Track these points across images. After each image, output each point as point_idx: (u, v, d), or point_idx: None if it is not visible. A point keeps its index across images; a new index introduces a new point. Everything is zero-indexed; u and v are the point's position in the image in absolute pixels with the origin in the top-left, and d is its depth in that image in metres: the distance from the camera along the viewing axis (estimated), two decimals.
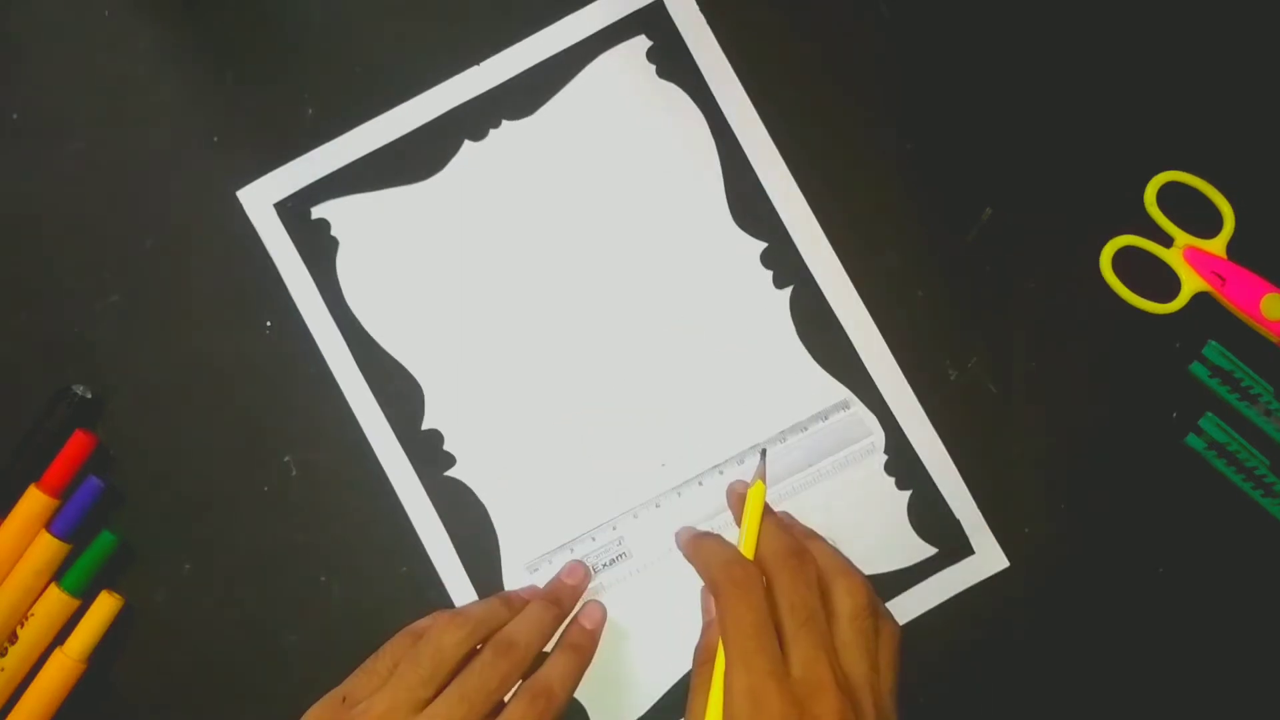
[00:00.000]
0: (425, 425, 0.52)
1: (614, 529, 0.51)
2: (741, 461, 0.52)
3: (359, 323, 0.53)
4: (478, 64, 0.54)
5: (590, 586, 0.51)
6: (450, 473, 0.52)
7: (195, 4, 0.55)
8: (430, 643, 0.46)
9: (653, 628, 0.51)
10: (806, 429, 0.52)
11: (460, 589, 0.52)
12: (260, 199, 0.53)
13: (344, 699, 0.46)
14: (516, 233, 0.53)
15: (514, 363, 0.53)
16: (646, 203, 0.53)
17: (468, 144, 0.54)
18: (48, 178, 0.54)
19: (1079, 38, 0.54)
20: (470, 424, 0.52)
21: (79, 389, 0.52)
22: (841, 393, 0.52)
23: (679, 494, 0.52)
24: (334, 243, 0.53)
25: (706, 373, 0.52)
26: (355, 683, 0.47)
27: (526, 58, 0.54)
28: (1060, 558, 0.51)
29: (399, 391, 0.53)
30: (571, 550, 0.52)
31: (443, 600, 0.51)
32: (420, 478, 0.52)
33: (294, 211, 0.53)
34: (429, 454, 0.52)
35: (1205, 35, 0.53)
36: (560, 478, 0.52)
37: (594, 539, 0.51)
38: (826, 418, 0.52)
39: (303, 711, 0.46)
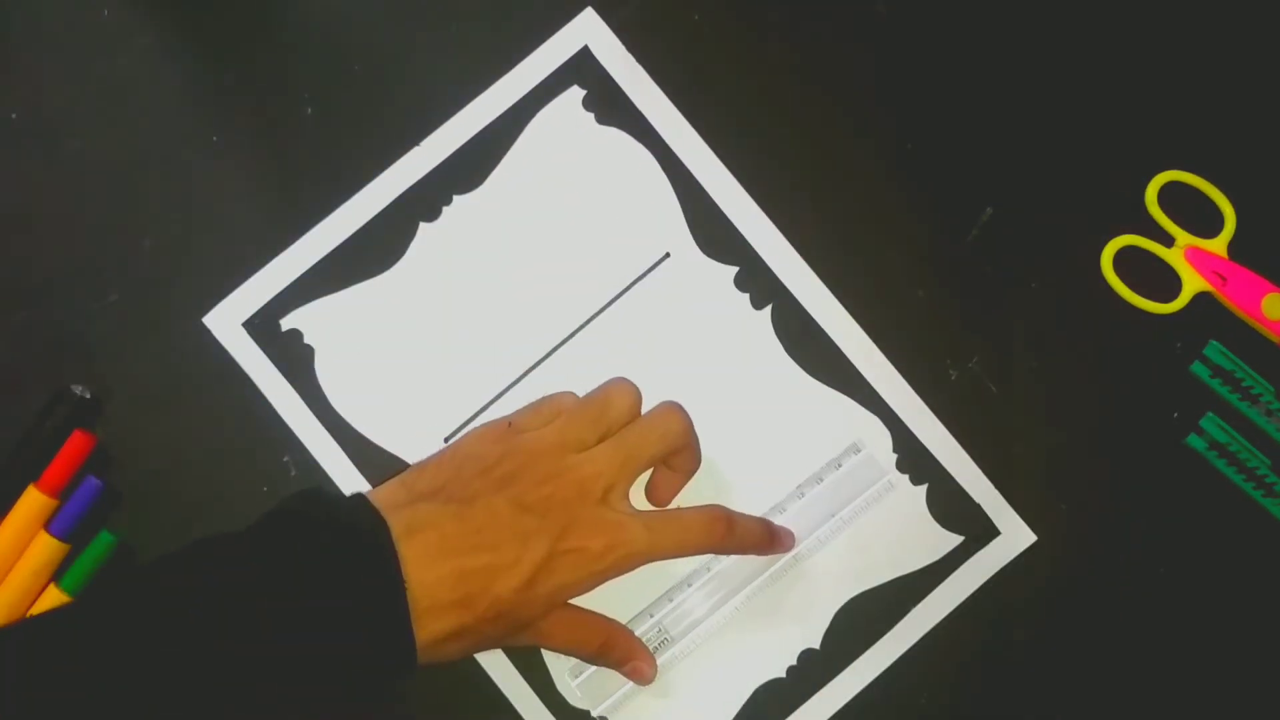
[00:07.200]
0: None
1: (651, 617, 0.50)
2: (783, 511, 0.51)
3: (348, 424, 0.52)
4: (417, 144, 0.53)
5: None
6: None
7: (194, 4, 0.55)
8: (604, 397, 0.49)
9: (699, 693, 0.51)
10: (823, 479, 0.51)
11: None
12: (227, 321, 0.52)
13: (510, 425, 0.49)
14: (488, 305, 0.53)
15: None
16: (610, 250, 0.53)
17: (423, 226, 0.53)
18: (48, 178, 0.54)
19: (1079, 37, 0.54)
20: None
21: (78, 389, 0.52)
22: (849, 419, 0.52)
23: (708, 569, 0.51)
24: (309, 350, 0.52)
25: (704, 406, 0.51)
26: (523, 417, 0.49)
27: (465, 129, 0.53)
28: (1060, 557, 0.51)
29: None
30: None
31: None
32: None
33: (263, 328, 0.53)
34: None
35: (1205, 35, 0.53)
36: None
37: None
38: (840, 465, 0.51)
39: None
